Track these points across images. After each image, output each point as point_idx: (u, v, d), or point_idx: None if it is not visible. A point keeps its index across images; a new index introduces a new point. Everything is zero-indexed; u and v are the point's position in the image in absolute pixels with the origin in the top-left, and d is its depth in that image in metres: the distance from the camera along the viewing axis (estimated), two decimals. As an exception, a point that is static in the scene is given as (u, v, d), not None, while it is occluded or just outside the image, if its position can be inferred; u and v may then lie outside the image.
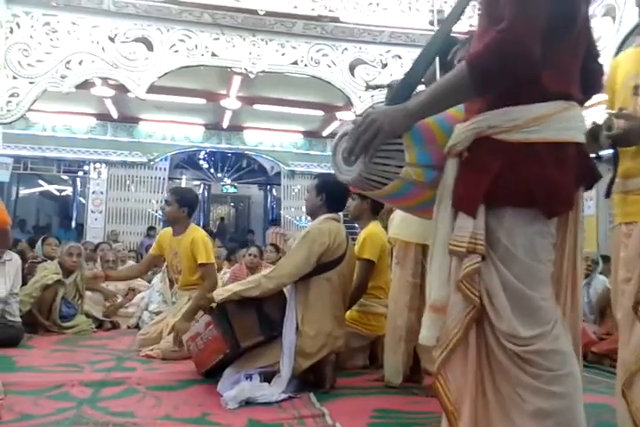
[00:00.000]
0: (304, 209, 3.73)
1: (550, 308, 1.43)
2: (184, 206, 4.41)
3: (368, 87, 3.53)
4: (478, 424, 1.42)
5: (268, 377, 3.00)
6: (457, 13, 1.75)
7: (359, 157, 1.55)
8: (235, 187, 16.50)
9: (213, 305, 3.14)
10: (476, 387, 1.42)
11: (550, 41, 1.39)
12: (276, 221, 14.27)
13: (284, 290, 3.23)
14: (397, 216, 3.22)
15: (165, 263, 5.41)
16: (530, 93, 1.42)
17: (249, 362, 3.04)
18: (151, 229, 11.52)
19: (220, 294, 3.11)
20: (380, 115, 1.49)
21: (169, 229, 4.61)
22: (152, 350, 4.04)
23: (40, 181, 15.92)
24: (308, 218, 3.58)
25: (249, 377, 2.95)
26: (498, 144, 1.43)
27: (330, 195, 3.39)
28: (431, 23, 6.20)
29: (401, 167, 1.56)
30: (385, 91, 3.30)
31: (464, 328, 1.42)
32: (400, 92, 1.71)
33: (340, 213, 3.52)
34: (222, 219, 17.70)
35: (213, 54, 6.60)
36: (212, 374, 3.17)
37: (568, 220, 1.50)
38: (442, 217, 1.50)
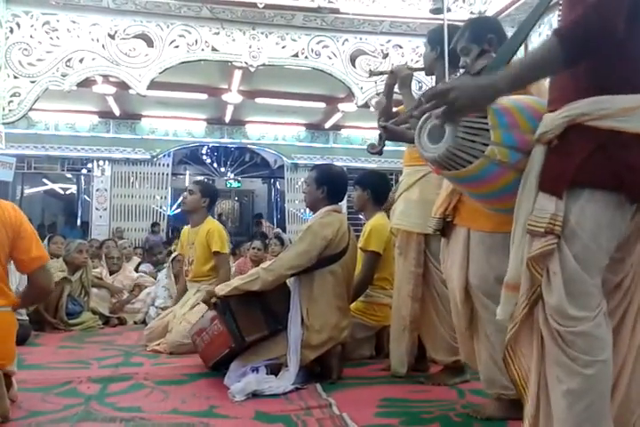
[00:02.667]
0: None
1: (598, 296, 1.48)
2: (206, 197, 4.55)
3: (371, 74, 3.53)
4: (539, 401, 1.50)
5: (274, 370, 3.00)
6: None
7: (445, 133, 1.63)
8: (238, 181, 16.50)
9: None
10: (539, 363, 1.50)
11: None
12: (260, 215, 14.47)
13: (288, 283, 3.23)
14: (399, 206, 3.20)
15: (170, 258, 5.45)
16: (621, 85, 1.48)
17: (255, 355, 3.04)
18: (155, 225, 11.54)
19: (221, 288, 3.11)
20: (463, 90, 1.54)
21: (187, 228, 4.73)
22: (159, 344, 4.06)
23: (44, 180, 15.96)
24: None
25: (255, 370, 2.95)
26: (588, 130, 1.47)
27: (331, 186, 3.36)
28: (431, 12, 6.19)
29: (486, 146, 1.63)
30: (386, 77, 3.27)
31: (529, 305, 1.50)
32: (496, 63, 1.84)
33: (342, 204, 3.50)
34: (220, 215, 17.67)
35: (213, 49, 6.58)
36: (218, 368, 3.18)
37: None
38: (526, 200, 1.55)
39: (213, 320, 3.15)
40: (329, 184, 3.36)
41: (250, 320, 3.04)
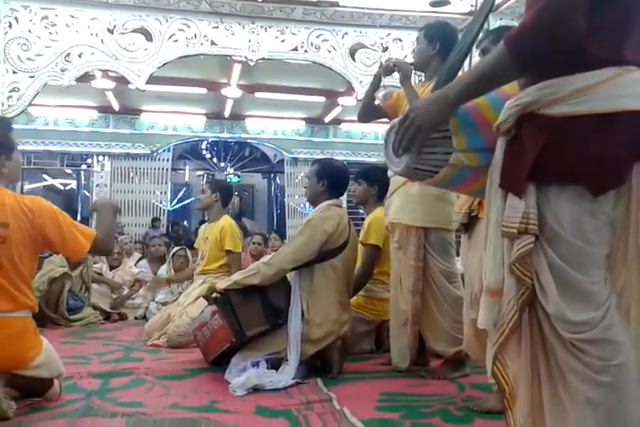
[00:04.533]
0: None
1: (602, 292, 1.35)
2: (215, 192, 4.68)
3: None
4: (533, 409, 1.41)
5: (274, 364, 3.01)
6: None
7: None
8: (238, 176, 16.47)
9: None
10: (531, 371, 1.41)
11: (597, 4, 1.30)
12: (244, 213, 14.55)
13: (289, 278, 3.23)
14: (396, 201, 3.19)
15: (171, 253, 5.47)
16: (573, 64, 1.34)
17: (256, 350, 3.04)
18: (156, 220, 11.54)
19: (222, 283, 3.12)
20: (419, 111, 1.51)
21: (205, 224, 4.93)
22: (158, 338, 4.07)
23: (44, 176, 15.94)
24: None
25: (256, 364, 2.95)
26: (541, 119, 1.37)
27: (331, 180, 3.37)
28: (431, 5, 6.16)
29: (449, 154, 1.56)
30: (378, 68, 3.29)
31: (518, 311, 1.40)
32: (443, 79, 1.73)
33: (343, 198, 3.50)
34: None
35: (213, 43, 6.55)
36: (219, 363, 3.18)
37: (630, 197, 1.38)
38: (494, 199, 1.47)
39: (214, 315, 3.15)
40: (329, 178, 3.37)
41: (250, 315, 3.04)
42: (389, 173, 3.30)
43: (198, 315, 3.46)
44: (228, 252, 4.51)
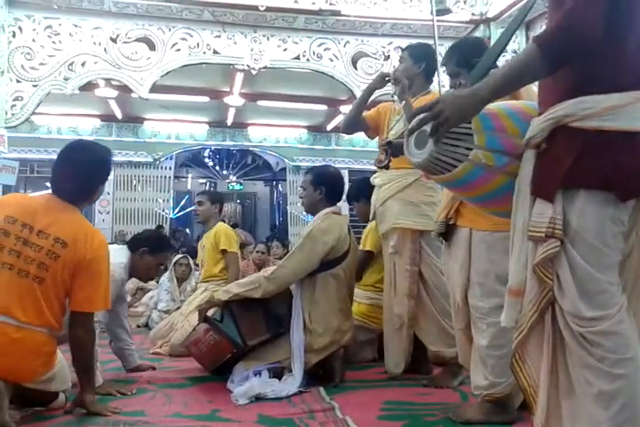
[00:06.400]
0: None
1: (616, 293, 1.45)
2: (215, 203, 4.75)
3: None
4: (550, 405, 1.47)
5: (276, 373, 2.99)
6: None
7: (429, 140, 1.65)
8: (240, 184, 16.49)
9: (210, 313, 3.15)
10: (551, 369, 1.48)
11: (618, 31, 1.45)
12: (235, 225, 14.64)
13: (290, 287, 3.22)
14: (393, 208, 3.18)
15: (173, 261, 5.48)
16: (603, 84, 1.47)
17: (257, 359, 3.03)
18: (159, 227, 11.55)
19: (222, 295, 3.10)
20: (448, 102, 1.58)
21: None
22: (161, 347, 4.07)
23: (47, 184, 15.96)
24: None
25: (258, 373, 2.94)
26: (574, 131, 1.48)
27: (328, 187, 3.34)
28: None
29: (470, 150, 1.64)
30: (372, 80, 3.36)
31: (539, 311, 1.48)
32: (475, 77, 1.81)
33: (340, 204, 3.47)
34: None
35: (215, 52, 6.60)
36: (221, 372, 3.16)
37: None
38: (521, 206, 1.56)
39: (207, 332, 3.08)
40: (326, 185, 3.34)
41: (251, 324, 3.03)
42: (376, 180, 3.32)
43: (191, 331, 3.39)
44: (224, 252, 4.52)
